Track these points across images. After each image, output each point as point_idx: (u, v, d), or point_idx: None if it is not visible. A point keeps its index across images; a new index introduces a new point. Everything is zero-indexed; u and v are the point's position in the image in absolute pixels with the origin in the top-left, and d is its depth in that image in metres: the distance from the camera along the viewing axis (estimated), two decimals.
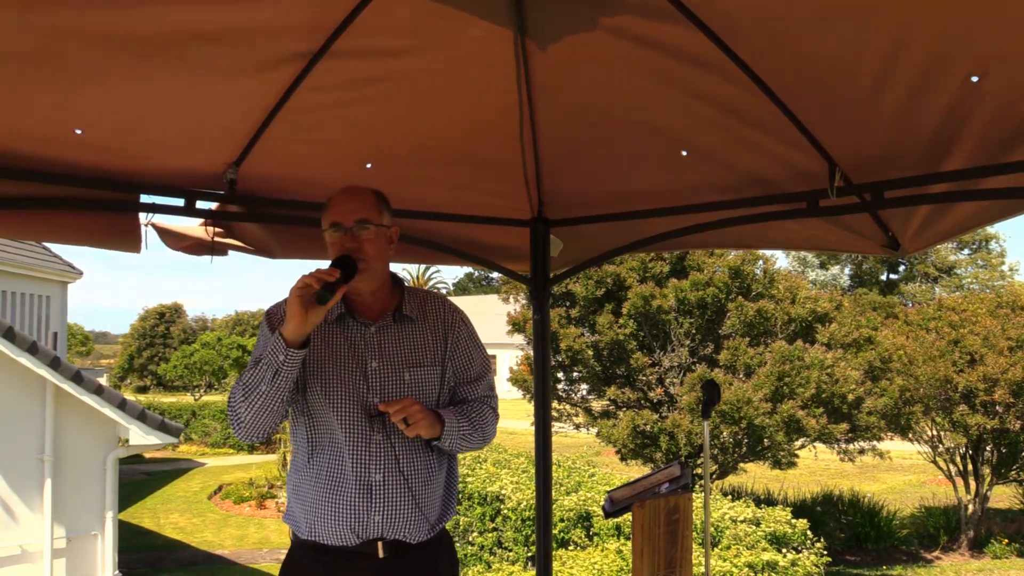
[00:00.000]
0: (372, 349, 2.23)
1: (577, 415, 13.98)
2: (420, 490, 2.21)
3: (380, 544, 2.16)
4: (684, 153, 2.82)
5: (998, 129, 2.26)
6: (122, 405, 9.18)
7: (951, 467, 13.42)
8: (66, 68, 2.08)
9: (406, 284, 2.36)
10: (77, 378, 8.89)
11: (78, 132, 2.33)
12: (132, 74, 2.16)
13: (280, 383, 2.06)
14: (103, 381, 11.88)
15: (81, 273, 17.62)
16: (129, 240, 2.76)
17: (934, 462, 13.70)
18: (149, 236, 2.82)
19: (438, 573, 2.28)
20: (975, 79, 2.11)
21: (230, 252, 3.18)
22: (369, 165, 2.95)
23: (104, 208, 2.67)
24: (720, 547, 7.81)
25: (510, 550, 9.94)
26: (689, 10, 2.13)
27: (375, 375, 2.21)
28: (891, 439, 14.03)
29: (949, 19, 1.97)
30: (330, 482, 2.17)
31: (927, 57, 2.09)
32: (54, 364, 8.73)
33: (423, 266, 72.06)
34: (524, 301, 13.85)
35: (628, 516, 2.81)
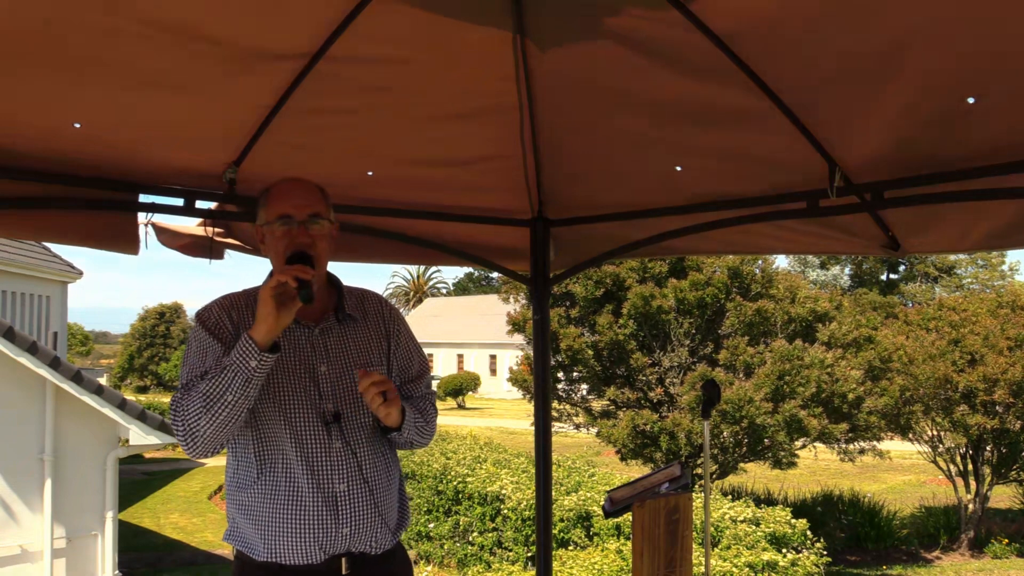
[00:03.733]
0: (319, 352, 2.12)
1: (577, 415, 13.98)
2: (382, 497, 2.12)
3: (344, 560, 2.05)
4: (678, 168, 2.83)
5: (998, 130, 2.26)
6: (122, 405, 9.18)
7: (951, 467, 13.42)
8: (66, 62, 2.08)
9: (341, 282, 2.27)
10: (77, 378, 8.89)
11: (77, 126, 2.32)
12: (132, 69, 2.16)
13: (250, 391, 1.92)
14: (103, 381, 11.88)
15: (81, 273, 17.62)
16: (127, 241, 2.75)
17: (934, 462, 13.70)
18: (148, 236, 2.82)
19: None
20: (972, 100, 2.12)
21: (231, 252, 3.18)
22: (370, 173, 2.95)
23: (103, 208, 2.67)
24: (720, 547, 7.81)
25: (510, 550, 9.94)
26: (690, 12, 2.13)
27: (326, 379, 2.09)
28: (891, 439, 14.03)
29: (950, 22, 1.97)
30: (289, 498, 2.01)
31: (927, 59, 2.09)
32: (54, 364, 8.73)
33: (423, 266, 72.07)
34: (524, 301, 13.85)
35: (628, 516, 2.81)
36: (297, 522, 2.01)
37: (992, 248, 2.91)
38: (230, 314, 2.09)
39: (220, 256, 3.11)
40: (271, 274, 2.10)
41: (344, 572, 2.05)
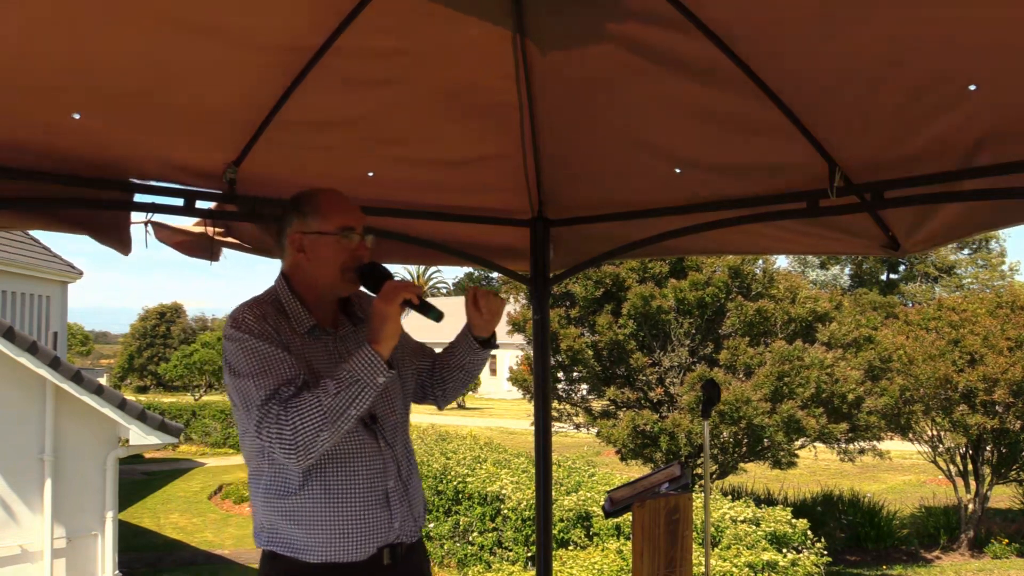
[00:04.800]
0: (345, 357, 2.10)
1: (577, 415, 13.98)
2: (415, 489, 2.22)
3: (386, 551, 2.11)
4: (677, 171, 2.83)
5: (997, 130, 2.26)
6: (122, 405, 9.18)
7: (951, 467, 13.43)
8: (66, 57, 2.08)
9: None
10: (77, 378, 8.89)
11: (76, 116, 2.32)
12: (132, 67, 2.16)
13: (369, 405, 1.95)
14: (103, 381, 11.88)
15: (81, 273, 17.62)
16: (117, 238, 2.73)
17: (934, 462, 13.71)
18: (148, 235, 2.81)
19: (423, 568, 2.29)
20: (972, 88, 2.11)
21: (231, 252, 3.17)
22: (371, 174, 2.95)
23: (103, 207, 2.67)
24: (720, 547, 7.81)
25: (510, 550, 9.94)
26: (691, 12, 2.13)
27: None
28: (891, 439, 14.03)
29: (949, 24, 1.97)
30: (343, 500, 2.05)
31: (927, 60, 2.09)
32: (54, 364, 8.73)
33: (423, 266, 72.07)
34: (524, 301, 13.85)
35: (628, 516, 2.81)
36: (354, 522, 2.05)
37: (985, 230, 2.89)
38: (267, 323, 2.05)
39: (218, 257, 3.11)
40: (382, 289, 2.04)
41: (385, 563, 2.11)
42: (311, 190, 2.19)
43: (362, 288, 2.19)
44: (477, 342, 2.35)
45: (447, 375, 2.42)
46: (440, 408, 2.50)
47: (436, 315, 2.04)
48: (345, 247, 2.12)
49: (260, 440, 1.93)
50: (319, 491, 2.04)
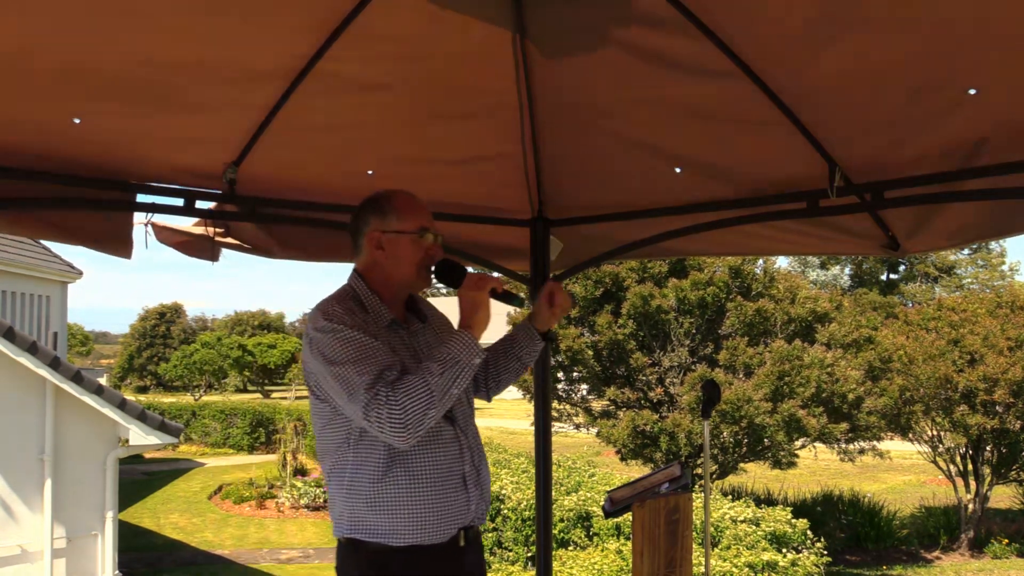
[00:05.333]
0: (418, 351, 2.25)
1: (577, 415, 13.98)
2: (486, 474, 2.32)
3: (462, 533, 2.21)
4: (678, 170, 2.83)
5: (997, 131, 2.26)
6: (122, 405, 9.18)
7: (951, 467, 13.42)
8: (66, 59, 2.08)
9: None
10: (77, 378, 8.89)
11: (76, 121, 2.32)
12: (132, 66, 2.16)
13: (467, 385, 2.09)
14: (103, 381, 11.88)
15: (81, 273, 17.62)
16: (120, 245, 2.74)
17: (934, 462, 13.70)
18: (148, 235, 2.82)
19: (482, 552, 2.39)
20: (972, 92, 2.11)
21: (231, 252, 3.18)
22: (371, 172, 2.95)
23: (103, 208, 2.67)
24: (720, 547, 7.81)
25: (510, 550, 9.94)
26: (691, 13, 2.13)
27: None
28: (891, 439, 14.03)
29: (949, 26, 1.97)
30: (428, 484, 2.14)
31: (927, 60, 2.09)
32: (54, 364, 8.73)
33: None
34: None
35: (628, 516, 2.81)
36: (438, 506, 2.15)
37: (988, 239, 2.91)
38: (355, 316, 2.14)
39: (216, 258, 3.11)
40: (466, 280, 2.20)
41: (460, 544, 2.21)
42: (388, 191, 2.28)
43: (438, 284, 2.34)
44: (538, 334, 2.45)
45: (503, 366, 2.50)
46: (488, 400, 2.58)
47: (519, 302, 2.18)
48: (421, 246, 2.24)
49: (367, 423, 2.00)
50: (404, 477, 2.12)
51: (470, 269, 2.33)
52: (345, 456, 2.15)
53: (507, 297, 2.20)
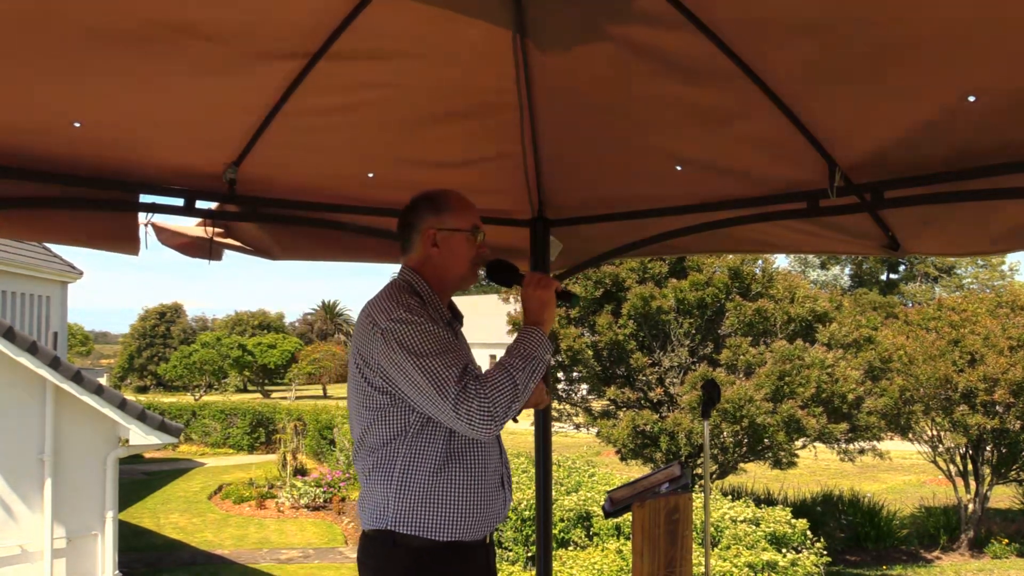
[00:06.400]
0: (467, 349, 2.29)
1: (577, 415, 13.99)
2: (510, 477, 2.38)
3: (489, 532, 2.27)
4: (678, 168, 2.83)
5: (999, 130, 2.26)
6: (122, 405, 9.18)
7: (951, 467, 13.43)
8: (66, 61, 2.08)
9: None
10: (77, 378, 8.89)
11: (77, 125, 2.32)
12: (132, 69, 2.16)
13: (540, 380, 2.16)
14: (103, 381, 11.87)
15: (81, 273, 17.62)
16: (127, 241, 2.75)
17: (934, 462, 13.71)
18: (148, 235, 2.82)
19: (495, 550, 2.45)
20: (972, 99, 2.12)
21: (231, 252, 3.18)
22: (371, 175, 2.95)
23: (103, 208, 2.67)
24: (720, 547, 7.81)
25: (510, 550, 9.94)
26: (691, 13, 2.13)
27: None
28: (891, 439, 14.03)
29: (950, 22, 1.97)
30: (478, 483, 2.19)
31: (928, 60, 2.09)
32: (54, 364, 8.73)
33: None
34: None
35: (628, 516, 2.81)
36: (485, 503, 2.21)
37: (995, 252, 2.92)
38: (427, 312, 2.18)
39: (219, 257, 3.11)
40: (528, 279, 2.26)
41: (487, 542, 2.28)
42: (442, 190, 2.32)
43: (489, 281, 2.40)
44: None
45: None
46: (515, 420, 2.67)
47: (576, 300, 2.23)
48: (474, 244, 2.30)
49: (455, 414, 2.01)
50: (460, 473, 2.17)
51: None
52: (398, 449, 2.15)
53: (566, 296, 2.27)
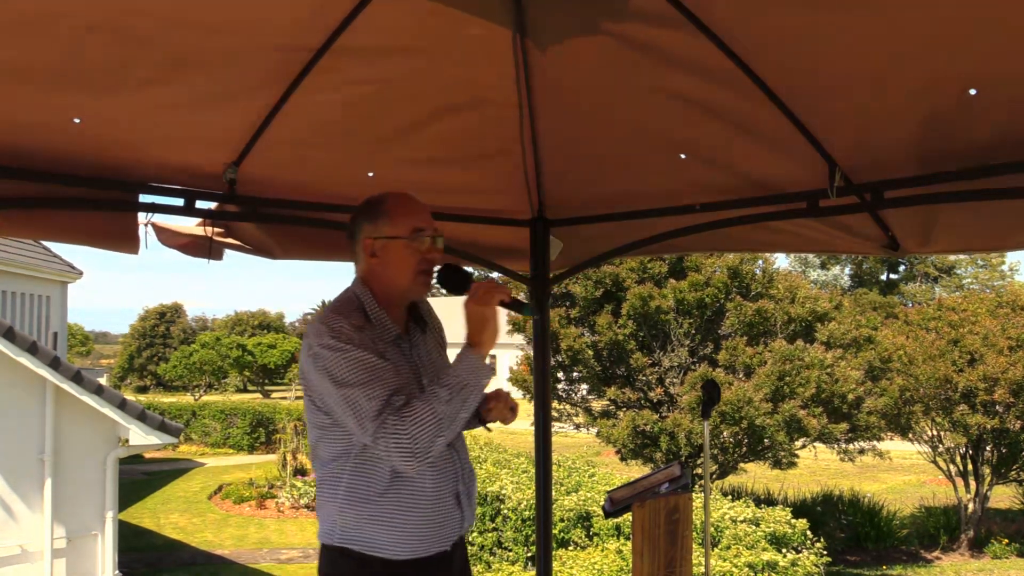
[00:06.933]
0: (422, 365, 2.18)
1: (577, 415, 13.99)
2: (474, 488, 2.31)
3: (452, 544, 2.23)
4: (683, 156, 2.82)
5: (999, 131, 2.26)
6: (122, 405, 9.18)
7: (951, 467, 13.43)
8: (65, 60, 2.08)
9: None
10: (77, 378, 8.89)
11: (77, 121, 2.32)
12: (131, 68, 2.16)
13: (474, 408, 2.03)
14: (103, 381, 11.87)
15: (81, 273, 17.62)
16: (127, 241, 2.75)
17: (934, 462, 13.71)
18: (148, 235, 2.82)
19: (466, 551, 2.38)
20: (973, 92, 2.12)
21: (231, 252, 3.18)
22: (371, 174, 2.95)
23: (104, 207, 2.67)
24: (720, 547, 7.80)
25: (510, 550, 9.93)
26: (691, 12, 2.13)
27: None
28: (891, 439, 14.03)
29: (950, 25, 1.97)
30: (430, 502, 2.11)
31: (928, 60, 2.09)
32: (54, 364, 8.73)
33: None
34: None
35: (628, 516, 2.81)
36: (438, 523, 2.13)
37: (992, 250, 2.92)
38: (364, 333, 2.05)
39: (219, 256, 3.11)
40: (472, 291, 2.09)
41: (449, 550, 2.20)
42: (381, 194, 2.20)
43: (443, 290, 2.25)
44: (478, 419, 2.37)
45: None
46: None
47: (530, 311, 2.09)
48: (416, 250, 2.13)
49: (377, 449, 1.96)
50: (404, 496, 2.09)
51: (468, 270, 2.21)
52: (344, 467, 2.09)
53: (516, 306, 2.10)
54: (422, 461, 1.96)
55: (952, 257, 44.03)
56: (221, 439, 24.72)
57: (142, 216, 2.77)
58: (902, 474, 19.93)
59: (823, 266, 45.84)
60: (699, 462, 11.41)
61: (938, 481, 16.82)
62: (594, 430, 13.50)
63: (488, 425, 2.38)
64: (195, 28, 2.07)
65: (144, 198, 2.71)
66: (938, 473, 14.44)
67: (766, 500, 13.43)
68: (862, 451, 13.26)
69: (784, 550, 8.01)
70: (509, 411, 2.32)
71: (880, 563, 12.49)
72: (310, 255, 3.32)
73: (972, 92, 2.12)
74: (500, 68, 2.50)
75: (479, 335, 2.02)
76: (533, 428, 3.64)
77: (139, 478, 19.05)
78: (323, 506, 2.16)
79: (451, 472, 2.17)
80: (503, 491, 10.35)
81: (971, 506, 13.06)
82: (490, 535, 10.30)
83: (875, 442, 13.24)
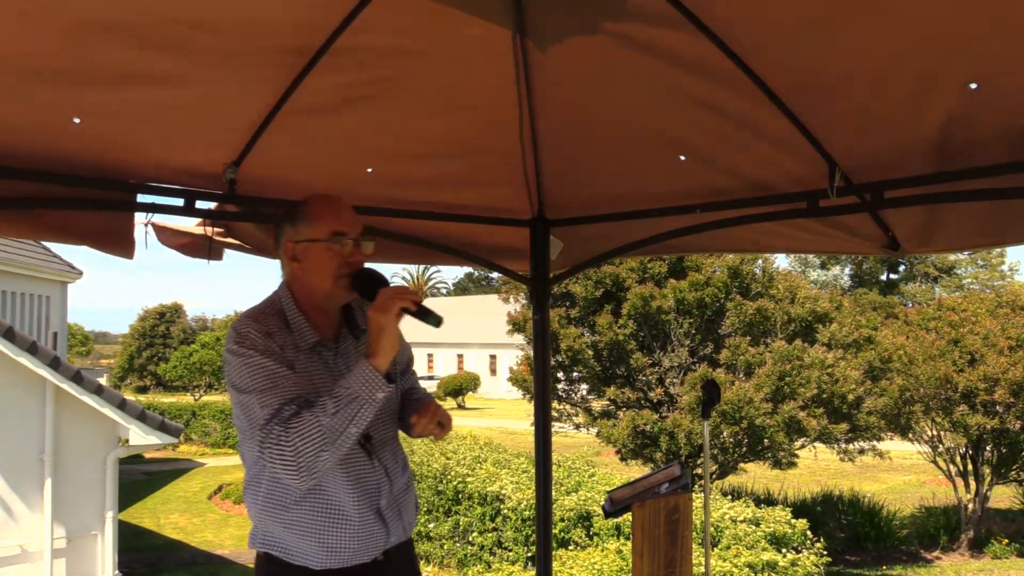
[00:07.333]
0: (343, 373, 2.06)
1: (577, 415, 13.99)
2: (407, 501, 2.24)
3: (380, 553, 2.15)
4: (682, 158, 2.82)
5: (998, 131, 2.26)
6: (122, 405, 9.18)
7: (951, 467, 13.43)
8: (65, 56, 2.08)
9: None
10: (77, 378, 8.89)
11: (76, 121, 2.32)
12: (131, 68, 2.16)
13: (369, 422, 1.93)
14: (103, 381, 11.88)
15: (81, 273, 17.63)
16: (122, 245, 2.74)
17: (934, 462, 13.71)
18: (148, 235, 2.81)
19: (413, 559, 2.32)
20: (974, 86, 2.11)
21: (231, 252, 3.17)
22: (370, 170, 2.95)
23: (103, 207, 2.67)
24: (720, 547, 7.81)
25: (510, 550, 9.94)
26: (691, 12, 2.13)
27: None
28: (891, 439, 14.03)
29: (949, 24, 1.97)
30: (341, 517, 2.05)
31: (927, 59, 2.09)
32: (54, 364, 8.73)
33: (423, 266, 72.07)
34: (524, 301, 13.85)
35: (628, 516, 2.81)
36: (353, 538, 2.06)
37: (992, 246, 2.93)
38: (272, 339, 2.00)
39: (219, 256, 3.11)
40: (377, 298, 1.98)
41: (379, 559, 2.14)
42: (305, 197, 2.16)
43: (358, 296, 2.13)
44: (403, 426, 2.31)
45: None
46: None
47: (435, 320, 1.97)
48: (337, 253, 2.07)
49: (263, 460, 1.92)
50: (319, 507, 2.04)
51: (401, 282, 2.13)
52: (262, 472, 2.06)
53: (421, 315, 1.97)
54: (307, 475, 1.88)
55: (952, 257, 44.05)
56: (221, 439, 24.71)
57: (142, 216, 2.77)
58: (902, 474, 19.93)
59: (823, 266, 45.86)
60: (699, 462, 11.42)
61: (938, 481, 16.82)
62: (594, 430, 13.51)
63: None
64: (195, 28, 2.07)
65: (144, 198, 2.71)
66: (938, 473, 14.43)
67: (766, 500, 13.43)
68: (862, 451, 13.26)
69: (784, 550, 8.02)
70: (437, 426, 2.16)
71: (880, 563, 12.49)
72: None
73: (973, 87, 2.12)
74: (500, 68, 2.50)
75: (375, 345, 1.93)
76: (533, 428, 3.64)
77: (139, 478, 19.05)
78: (249, 509, 2.14)
79: (372, 486, 2.10)
80: (503, 491, 10.35)
81: (971, 506, 13.06)
82: (490, 535, 10.30)
83: (875, 442, 13.24)
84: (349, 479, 2.06)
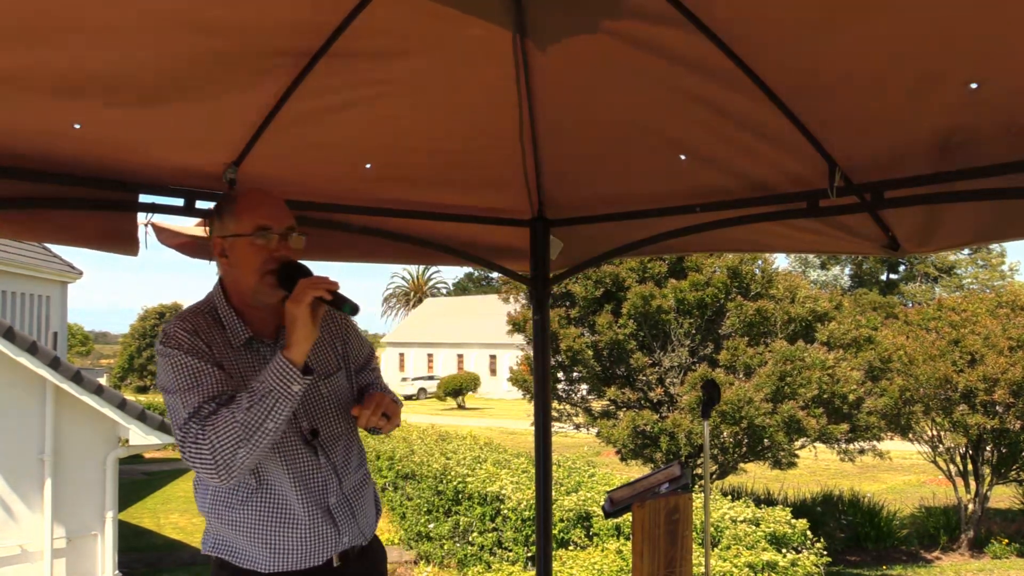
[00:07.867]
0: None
1: (577, 415, 13.99)
2: (363, 501, 2.19)
3: (335, 556, 2.10)
4: (682, 157, 2.82)
5: (998, 131, 2.26)
6: (122, 405, 9.18)
7: (951, 467, 13.43)
8: (66, 63, 2.08)
9: None
10: (77, 378, 8.89)
11: (77, 127, 2.32)
12: (131, 69, 2.16)
13: (288, 416, 1.88)
14: (103, 381, 11.88)
15: (81, 273, 17.63)
16: (127, 242, 2.75)
17: (934, 462, 13.71)
18: (148, 236, 2.82)
19: (378, 567, 2.27)
20: (974, 86, 2.12)
21: None
22: (369, 166, 2.95)
23: (103, 208, 2.67)
24: (720, 547, 7.81)
25: (510, 550, 9.94)
26: (690, 12, 2.13)
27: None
28: (891, 439, 14.04)
29: (950, 23, 1.97)
30: (289, 515, 2.02)
31: (927, 59, 2.09)
32: (54, 364, 8.73)
33: (423, 266, 72.05)
34: (524, 301, 13.86)
35: (628, 516, 2.81)
36: (301, 538, 2.03)
37: (992, 242, 2.92)
38: (199, 337, 1.98)
39: None
40: (284, 289, 1.98)
41: (336, 565, 2.09)
42: (234, 191, 2.13)
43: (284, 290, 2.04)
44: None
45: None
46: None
47: (351, 307, 1.92)
48: (262, 248, 2.03)
49: (184, 459, 1.89)
50: (265, 506, 2.01)
51: (339, 279, 1.97)
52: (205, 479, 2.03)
53: (337, 303, 1.93)
54: (225, 473, 1.83)
55: (952, 257, 44.05)
56: None
57: (142, 216, 2.77)
58: (902, 474, 19.93)
59: (823, 266, 45.86)
60: (699, 462, 11.42)
61: (938, 481, 16.82)
62: (594, 430, 13.51)
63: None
64: (196, 29, 2.07)
65: (144, 198, 2.71)
66: (938, 473, 14.43)
67: (766, 500, 13.43)
68: (862, 451, 13.26)
69: (784, 550, 8.02)
70: (382, 419, 2.08)
71: (880, 563, 12.49)
72: (310, 255, 3.31)
73: (973, 86, 2.12)
74: (500, 68, 2.50)
75: (289, 336, 1.89)
76: (533, 428, 3.64)
77: (139, 478, 19.05)
78: (200, 511, 2.12)
79: (318, 483, 2.05)
80: (503, 491, 10.35)
81: (971, 506, 13.06)
82: (490, 535, 10.30)
83: (875, 442, 13.24)
84: (293, 476, 2.02)
